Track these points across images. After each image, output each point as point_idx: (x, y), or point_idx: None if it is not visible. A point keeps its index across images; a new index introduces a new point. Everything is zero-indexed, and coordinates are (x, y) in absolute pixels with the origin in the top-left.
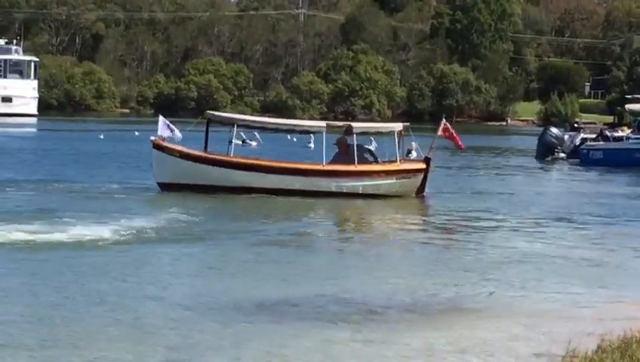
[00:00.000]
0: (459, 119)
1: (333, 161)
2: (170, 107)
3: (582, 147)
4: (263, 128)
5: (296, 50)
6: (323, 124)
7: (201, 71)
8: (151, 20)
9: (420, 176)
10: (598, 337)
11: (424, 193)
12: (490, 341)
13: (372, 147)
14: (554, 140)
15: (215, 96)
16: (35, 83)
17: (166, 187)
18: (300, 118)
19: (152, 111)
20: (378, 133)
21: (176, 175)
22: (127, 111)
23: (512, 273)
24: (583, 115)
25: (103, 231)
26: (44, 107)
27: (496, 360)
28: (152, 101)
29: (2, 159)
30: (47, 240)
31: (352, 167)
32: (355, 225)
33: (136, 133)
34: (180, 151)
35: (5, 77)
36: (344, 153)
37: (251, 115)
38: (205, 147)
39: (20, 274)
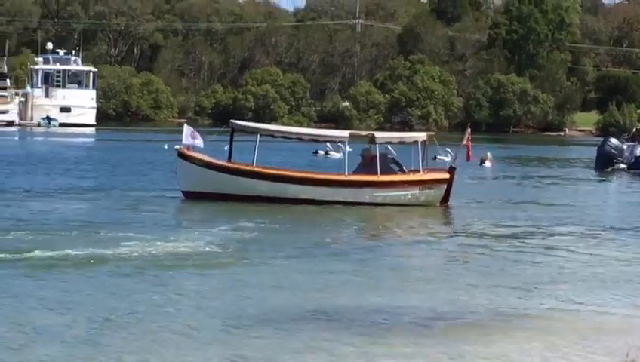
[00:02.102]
0: (516, 129)
1: (357, 171)
2: (228, 117)
3: None
4: (285, 137)
5: (353, 61)
6: (346, 133)
7: (258, 81)
8: (208, 31)
9: (444, 186)
10: None
11: (448, 202)
12: (545, 357)
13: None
14: (613, 151)
15: (272, 107)
16: (93, 93)
17: (190, 195)
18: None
19: (210, 121)
20: (402, 143)
21: (200, 184)
22: (185, 121)
23: (566, 286)
24: None
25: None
26: (102, 117)
27: None
28: (209, 111)
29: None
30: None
31: (374, 178)
32: (398, 234)
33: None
34: (203, 161)
35: (64, 87)
36: (368, 163)
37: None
38: (229, 156)
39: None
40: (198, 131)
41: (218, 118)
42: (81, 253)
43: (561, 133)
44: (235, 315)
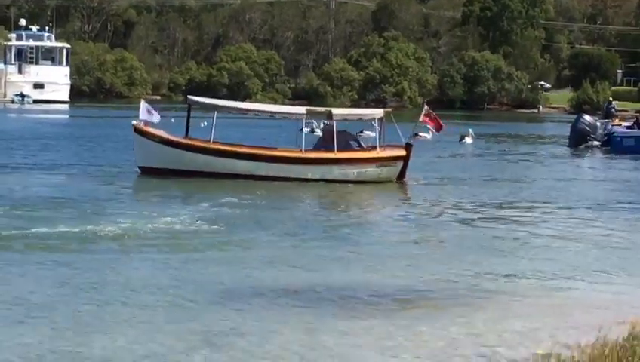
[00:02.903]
0: (490, 106)
1: (316, 147)
2: (202, 94)
3: (614, 134)
4: (243, 114)
5: (328, 37)
6: (303, 110)
7: (232, 58)
8: (182, 7)
9: (401, 163)
10: (631, 325)
11: (404, 179)
12: (517, 331)
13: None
14: (587, 128)
15: (246, 83)
16: (67, 70)
17: (146, 171)
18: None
19: (184, 98)
20: (360, 120)
21: (156, 159)
22: (159, 98)
23: (542, 261)
24: (615, 102)
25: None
26: (76, 94)
27: (524, 350)
28: (183, 88)
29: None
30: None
31: (331, 155)
32: (360, 211)
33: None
34: (159, 136)
35: (37, 63)
36: (328, 139)
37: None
38: (186, 132)
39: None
40: (155, 107)
41: (192, 95)
42: (62, 230)
43: (535, 111)
44: (219, 290)
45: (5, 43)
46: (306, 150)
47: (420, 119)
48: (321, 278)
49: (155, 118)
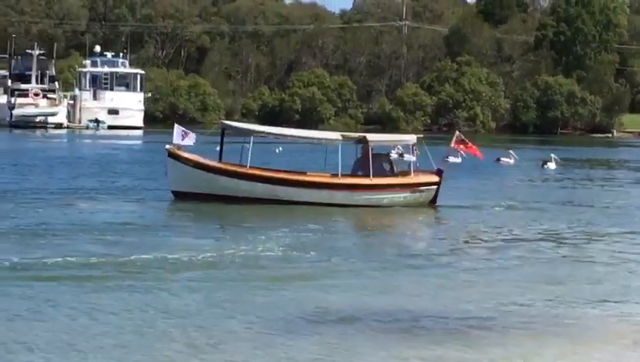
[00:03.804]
0: (563, 131)
1: (352, 172)
2: (275, 119)
3: None
4: (280, 139)
5: (400, 62)
6: (338, 135)
7: (305, 83)
8: (255, 33)
9: (434, 189)
10: None
11: (436, 203)
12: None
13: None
14: None
15: (319, 109)
16: (141, 95)
17: (179, 196)
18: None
19: (257, 123)
20: (395, 145)
21: (190, 184)
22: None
23: (604, 289)
24: None
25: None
26: (150, 120)
27: None
28: (256, 113)
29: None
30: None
31: (367, 181)
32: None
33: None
34: (193, 161)
35: (112, 90)
36: (363, 165)
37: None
38: (220, 157)
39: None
40: (188, 131)
41: (265, 120)
42: (148, 256)
43: (609, 135)
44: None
45: (80, 69)
46: (342, 175)
47: (452, 145)
48: (418, 305)
49: (190, 141)
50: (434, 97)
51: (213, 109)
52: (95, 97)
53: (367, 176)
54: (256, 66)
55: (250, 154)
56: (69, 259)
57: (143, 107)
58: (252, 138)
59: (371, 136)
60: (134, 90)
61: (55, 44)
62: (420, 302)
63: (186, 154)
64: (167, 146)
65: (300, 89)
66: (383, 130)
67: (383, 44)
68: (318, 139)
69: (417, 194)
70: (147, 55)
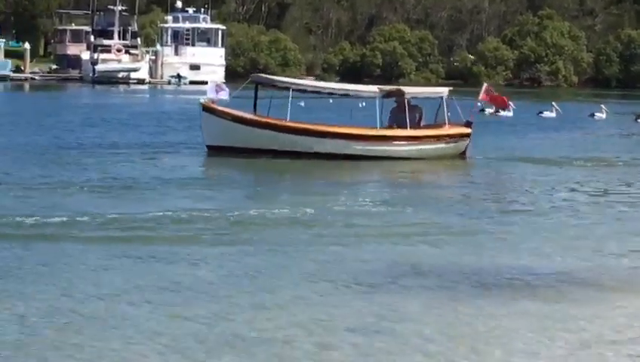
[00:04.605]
0: None
1: (389, 123)
2: (356, 74)
3: None
4: (316, 92)
5: (482, 17)
6: (375, 88)
7: (386, 38)
8: None
9: (467, 140)
10: None
11: (466, 155)
12: None
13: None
14: None
15: (400, 63)
16: (222, 51)
17: (215, 149)
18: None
19: (338, 78)
20: (427, 98)
21: (227, 137)
22: (313, 78)
23: None
24: None
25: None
26: (231, 75)
27: None
28: (337, 68)
29: None
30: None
31: (405, 132)
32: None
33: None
34: (231, 114)
35: (193, 45)
36: (399, 117)
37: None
38: (254, 109)
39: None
40: (225, 86)
41: (346, 75)
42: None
43: None
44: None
45: (162, 25)
46: (380, 128)
47: (480, 97)
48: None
49: (225, 95)
50: (515, 51)
51: (294, 64)
52: (176, 53)
53: (404, 127)
54: (337, 21)
55: (290, 108)
56: (166, 213)
57: (224, 62)
58: (291, 92)
59: (407, 89)
60: (215, 45)
61: (137, 0)
62: (545, 260)
63: (222, 108)
64: (202, 100)
65: (380, 44)
66: (465, 84)
67: None
68: (356, 91)
69: (452, 145)
70: (228, 10)
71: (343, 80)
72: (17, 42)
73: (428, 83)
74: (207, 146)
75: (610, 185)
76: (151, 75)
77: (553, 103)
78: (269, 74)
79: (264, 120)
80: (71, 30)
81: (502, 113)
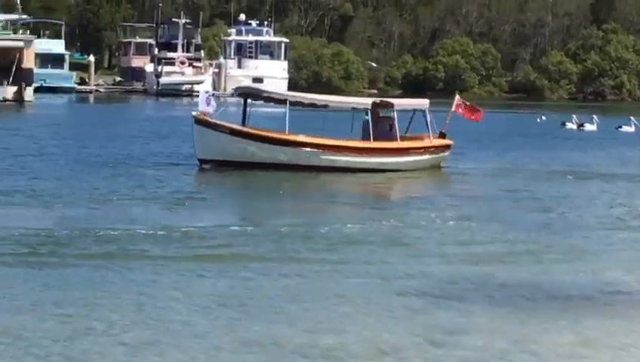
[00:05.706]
0: None
1: (375, 137)
2: (418, 88)
3: None
4: (312, 105)
5: (545, 30)
6: (369, 101)
7: (448, 51)
8: (398, 1)
9: (448, 151)
10: None
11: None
12: None
13: None
14: None
15: (463, 77)
16: (285, 64)
17: (207, 163)
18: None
19: (400, 92)
20: (414, 110)
21: (223, 152)
22: (375, 92)
23: None
24: None
25: None
26: (293, 88)
27: None
28: (399, 82)
29: None
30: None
31: (395, 144)
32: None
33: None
34: (229, 128)
35: (256, 58)
36: (382, 130)
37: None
38: (243, 122)
39: None
40: (211, 97)
41: (408, 89)
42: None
43: None
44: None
45: (225, 38)
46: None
47: (452, 109)
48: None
49: (212, 108)
50: (579, 65)
51: (356, 77)
52: (240, 65)
53: (393, 140)
54: (400, 34)
55: (287, 120)
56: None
57: (287, 75)
58: (288, 104)
59: (397, 101)
60: (278, 58)
61: (201, 13)
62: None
63: (218, 121)
64: (194, 113)
65: (443, 57)
66: (528, 98)
67: (528, 12)
68: (350, 104)
69: (435, 156)
70: (291, 23)
71: (405, 94)
72: (82, 55)
73: (491, 97)
74: (199, 160)
75: None
76: (214, 88)
77: (631, 118)
78: (331, 87)
79: (265, 134)
80: (135, 43)
81: (586, 128)
